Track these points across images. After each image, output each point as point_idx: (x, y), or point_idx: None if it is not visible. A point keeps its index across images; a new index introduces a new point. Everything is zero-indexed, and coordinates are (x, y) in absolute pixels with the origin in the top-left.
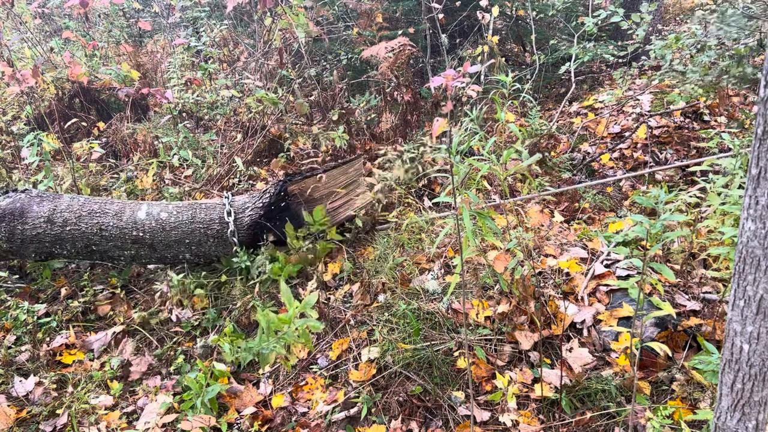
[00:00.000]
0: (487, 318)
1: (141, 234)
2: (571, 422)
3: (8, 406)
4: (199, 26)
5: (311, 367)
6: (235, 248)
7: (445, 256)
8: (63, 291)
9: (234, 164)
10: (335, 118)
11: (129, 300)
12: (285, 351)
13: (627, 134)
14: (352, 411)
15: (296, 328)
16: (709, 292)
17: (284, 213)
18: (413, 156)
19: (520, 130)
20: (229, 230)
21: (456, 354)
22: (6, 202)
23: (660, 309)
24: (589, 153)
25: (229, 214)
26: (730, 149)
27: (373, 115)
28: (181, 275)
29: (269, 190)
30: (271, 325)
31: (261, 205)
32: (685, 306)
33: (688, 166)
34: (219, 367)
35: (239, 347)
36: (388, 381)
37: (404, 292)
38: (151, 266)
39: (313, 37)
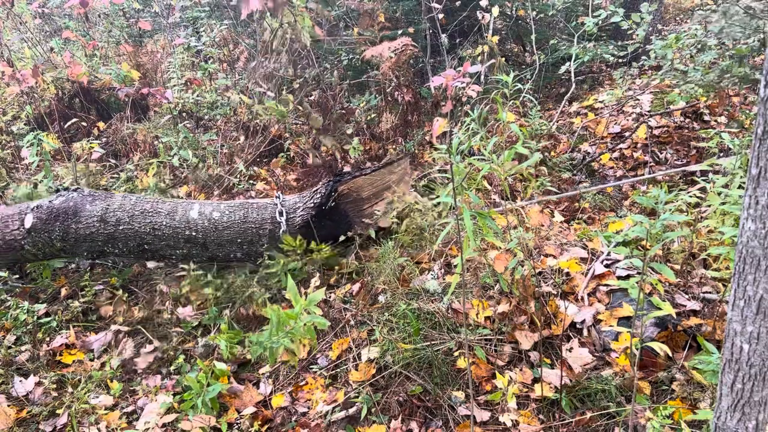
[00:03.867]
0: (487, 318)
1: (194, 233)
2: (571, 422)
3: (8, 406)
4: (199, 26)
5: (311, 367)
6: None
7: (447, 255)
8: (63, 291)
9: (234, 164)
10: (346, 128)
11: (129, 300)
12: (293, 345)
13: (627, 134)
14: (351, 411)
15: (303, 324)
16: (709, 292)
17: (334, 212)
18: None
19: (521, 130)
20: (281, 230)
21: (456, 354)
22: (59, 201)
23: (660, 309)
24: (589, 153)
25: (281, 214)
26: (730, 149)
27: (373, 115)
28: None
29: (320, 190)
30: (281, 321)
31: (312, 205)
32: (685, 306)
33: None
34: (220, 366)
35: (251, 341)
36: (388, 381)
37: (404, 293)
38: (151, 265)
39: (316, 40)
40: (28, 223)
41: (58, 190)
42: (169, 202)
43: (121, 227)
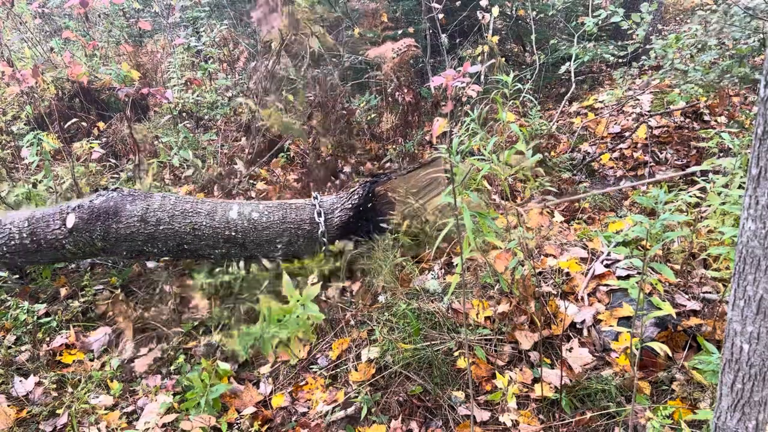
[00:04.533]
0: (487, 318)
1: (233, 233)
2: (571, 422)
3: (8, 406)
4: (199, 26)
5: (311, 367)
6: (324, 247)
7: (451, 254)
8: (63, 291)
9: (234, 165)
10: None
11: (129, 300)
12: (284, 336)
13: (627, 134)
14: (350, 410)
15: (297, 316)
16: (709, 292)
17: (370, 212)
18: None
19: (521, 130)
20: (320, 230)
21: (456, 354)
22: (99, 201)
23: (660, 309)
24: (589, 153)
25: (319, 214)
26: (730, 149)
27: (373, 115)
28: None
29: (357, 191)
30: (273, 313)
31: (350, 206)
32: (685, 306)
33: (686, 168)
34: (223, 366)
35: (241, 333)
36: (388, 381)
37: (404, 292)
38: (150, 265)
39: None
40: (70, 223)
41: (96, 190)
42: (209, 202)
43: (161, 227)
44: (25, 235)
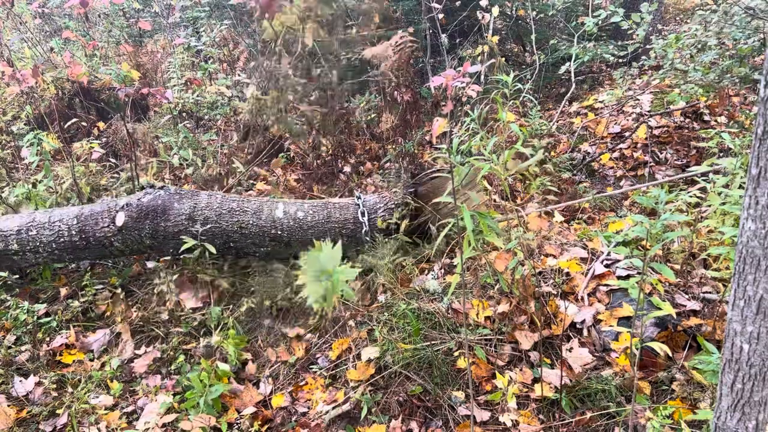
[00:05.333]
0: (487, 318)
1: (279, 232)
2: (571, 422)
3: (8, 406)
4: (199, 26)
5: (311, 367)
6: (367, 246)
7: (453, 253)
8: (63, 291)
9: (234, 164)
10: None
11: (129, 300)
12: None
13: (627, 134)
14: (345, 407)
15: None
16: (709, 292)
17: (414, 211)
18: None
19: (521, 130)
20: (363, 230)
21: (456, 354)
22: (147, 199)
23: (660, 309)
24: (589, 153)
25: (363, 214)
26: (730, 149)
27: (372, 115)
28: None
29: (399, 191)
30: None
31: (393, 206)
32: (685, 306)
33: (686, 168)
34: (222, 367)
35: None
36: (388, 381)
37: (404, 292)
38: (150, 265)
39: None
40: (119, 221)
41: (143, 188)
42: (254, 201)
43: (208, 225)
44: (74, 232)
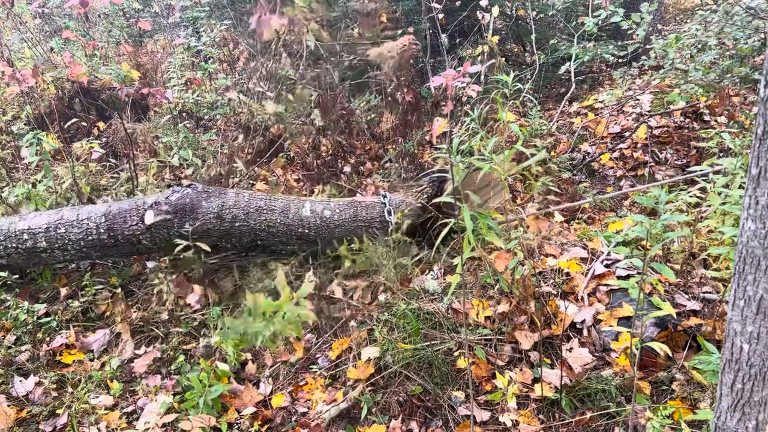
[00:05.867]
0: (487, 318)
1: (306, 231)
2: (571, 422)
3: (8, 406)
4: (199, 26)
5: (311, 367)
6: (393, 245)
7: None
8: (63, 291)
9: (234, 164)
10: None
11: (129, 300)
12: (269, 330)
13: (627, 134)
14: (344, 405)
15: (285, 314)
16: (709, 292)
17: (440, 210)
18: None
19: (521, 130)
20: (389, 229)
21: (456, 354)
22: (175, 197)
23: (660, 309)
24: (589, 153)
25: (390, 213)
26: (730, 149)
27: (373, 115)
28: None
29: (426, 190)
30: (260, 309)
31: (419, 204)
32: (685, 306)
33: (686, 168)
34: (222, 367)
35: (225, 327)
36: (388, 381)
37: (404, 292)
38: (150, 264)
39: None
40: (149, 220)
41: (170, 186)
42: (281, 199)
43: (236, 224)
44: (102, 230)
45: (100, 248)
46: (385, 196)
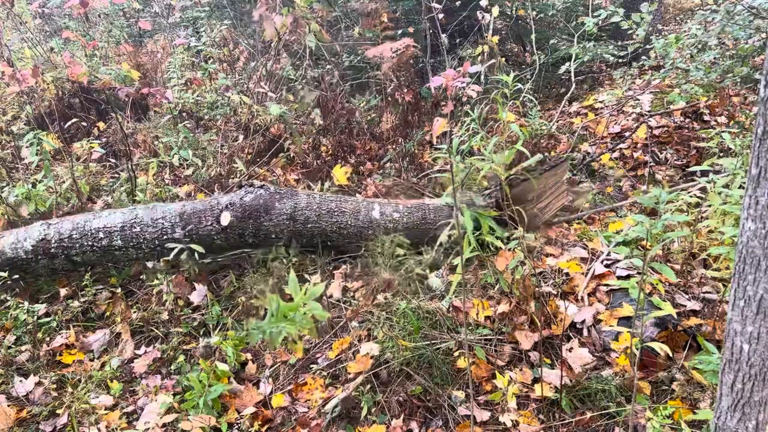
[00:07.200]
0: (487, 318)
1: (375, 233)
2: (571, 422)
3: (8, 406)
4: (199, 26)
5: (311, 366)
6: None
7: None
8: (63, 291)
9: (234, 164)
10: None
11: (129, 300)
12: (293, 331)
13: (627, 134)
14: (343, 395)
15: (304, 313)
16: (709, 292)
17: (504, 215)
18: None
19: (521, 130)
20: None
21: (456, 354)
22: (249, 198)
23: (660, 309)
24: (589, 153)
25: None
26: (730, 149)
27: (373, 115)
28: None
29: (493, 194)
30: (280, 309)
31: (489, 207)
32: (686, 306)
33: (686, 168)
34: (222, 367)
35: (250, 327)
36: (388, 380)
37: (404, 289)
38: (150, 264)
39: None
40: (225, 221)
41: (242, 186)
42: (351, 201)
43: (308, 225)
44: (178, 230)
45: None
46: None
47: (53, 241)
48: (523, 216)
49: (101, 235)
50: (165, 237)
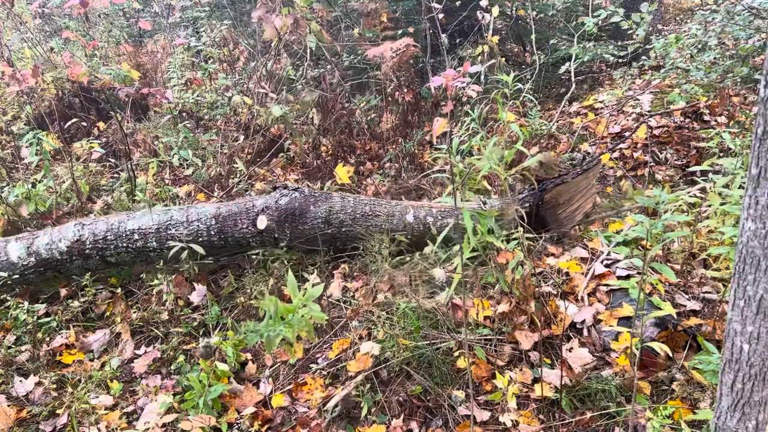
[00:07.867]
0: (487, 318)
1: (410, 237)
2: (571, 422)
3: (8, 406)
4: (199, 26)
5: (311, 366)
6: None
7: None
8: (63, 291)
9: (234, 164)
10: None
11: (128, 300)
12: (290, 334)
13: (627, 134)
14: (343, 393)
15: (302, 316)
16: (709, 292)
17: (536, 219)
18: None
19: (521, 130)
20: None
21: (456, 354)
22: (285, 201)
23: (660, 309)
24: (589, 153)
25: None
26: (730, 149)
27: (373, 115)
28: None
29: (527, 199)
30: (278, 311)
31: (520, 214)
32: (685, 306)
33: (686, 168)
34: (221, 367)
35: (247, 330)
36: (388, 379)
37: (405, 285)
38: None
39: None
40: (261, 225)
41: (275, 188)
42: (385, 205)
43: (343, 229)
44: (213, 232)
45: (209, 248)
46: (485, 203)
47: (88, 242)
48: (558, 220)
49: (136, 236)
50: (200, 239)
